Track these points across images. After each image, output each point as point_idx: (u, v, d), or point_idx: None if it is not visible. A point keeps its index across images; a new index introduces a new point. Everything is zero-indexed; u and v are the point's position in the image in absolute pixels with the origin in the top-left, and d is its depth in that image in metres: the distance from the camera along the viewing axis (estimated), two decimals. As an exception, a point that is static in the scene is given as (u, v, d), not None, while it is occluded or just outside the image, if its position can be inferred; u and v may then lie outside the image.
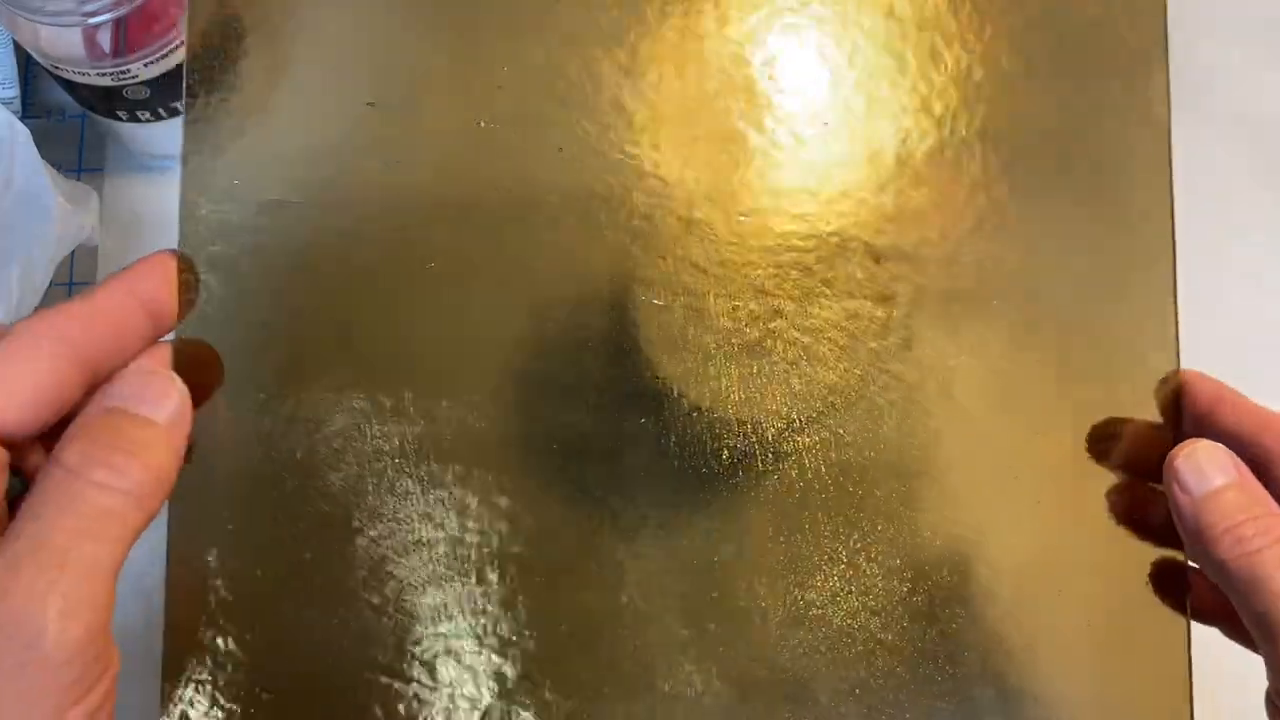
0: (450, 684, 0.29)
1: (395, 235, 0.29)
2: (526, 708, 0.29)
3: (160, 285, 0.25)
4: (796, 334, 0.30)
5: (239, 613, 0.28)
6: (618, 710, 0.29)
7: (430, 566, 0.29)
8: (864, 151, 0.31)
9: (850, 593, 0.30)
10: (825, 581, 0.30)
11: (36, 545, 0.20)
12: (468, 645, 0.29)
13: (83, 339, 0.23)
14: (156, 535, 0.25)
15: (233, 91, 0.29)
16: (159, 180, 0.45)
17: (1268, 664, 0.25)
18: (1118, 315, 0.31)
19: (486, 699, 0.29)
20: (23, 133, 0.38)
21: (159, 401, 0.23)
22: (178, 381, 0.24)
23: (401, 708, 0.29)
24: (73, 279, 0.44)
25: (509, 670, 0.29)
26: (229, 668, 0.28)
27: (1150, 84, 0.34)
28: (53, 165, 0.40)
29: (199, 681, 0.28)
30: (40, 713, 0.19)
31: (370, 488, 0.29)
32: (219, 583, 0.28)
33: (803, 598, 0.30)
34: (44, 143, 0.39)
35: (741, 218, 0.30)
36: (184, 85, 0.28)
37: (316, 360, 0.29)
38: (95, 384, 0.23)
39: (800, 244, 0.30)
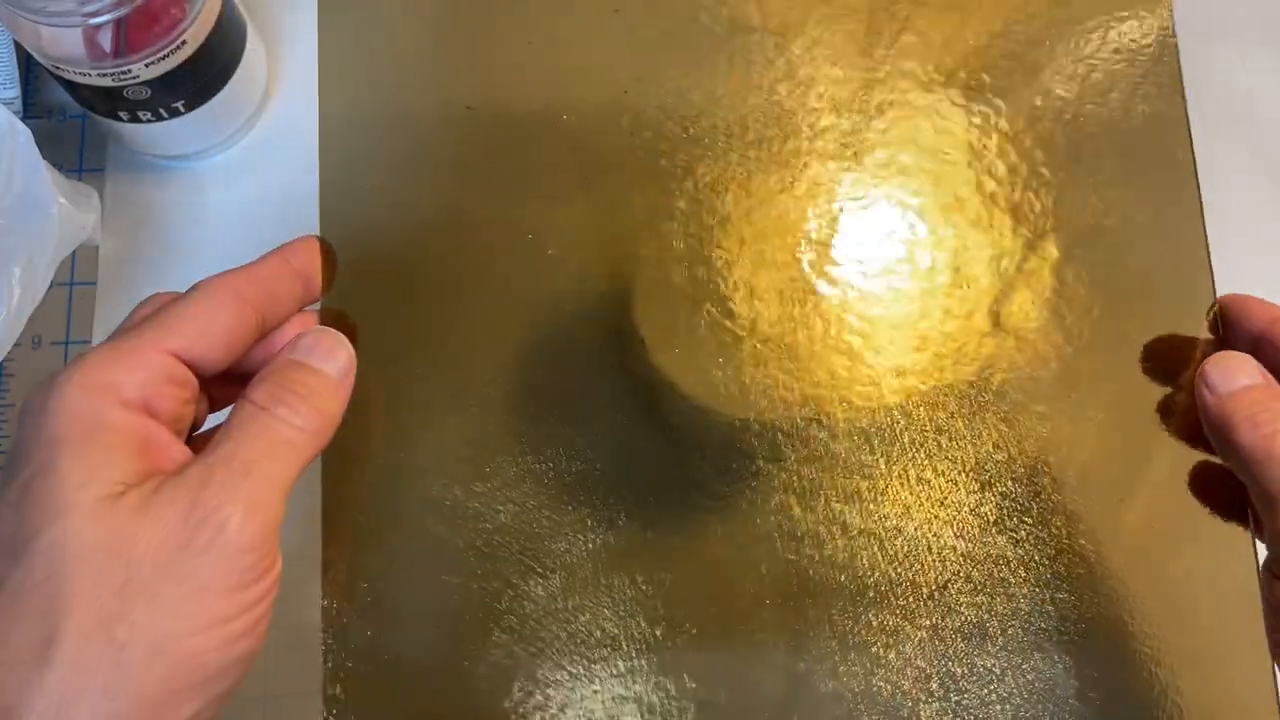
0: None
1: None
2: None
3: (310, 259, 0.31)
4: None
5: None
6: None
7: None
8: None
9: (921, 505, 0.34)
10: (896, 497, 0.34)
11: (230, 457, 0.25)
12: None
13: (254, 295, 0.28)
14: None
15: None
16: (160, 180, 0.45)
17: (1269, 535, 0.28)
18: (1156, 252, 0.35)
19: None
20: (23, 133, 0.38)
21: (331, 356, 0.28)
22: (346, 342, 0.29)
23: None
24: (74, 279, 0.44)
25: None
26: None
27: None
28: (53, 165, 0.40)
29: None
30: (221, 586, 0.24)
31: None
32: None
33: (878, 512, 0.34)
34: (45, 143, 0.39)
35: None
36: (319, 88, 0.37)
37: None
38: (262, 333, 0.29)
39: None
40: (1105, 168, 0.35)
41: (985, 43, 0.37)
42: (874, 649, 0.33)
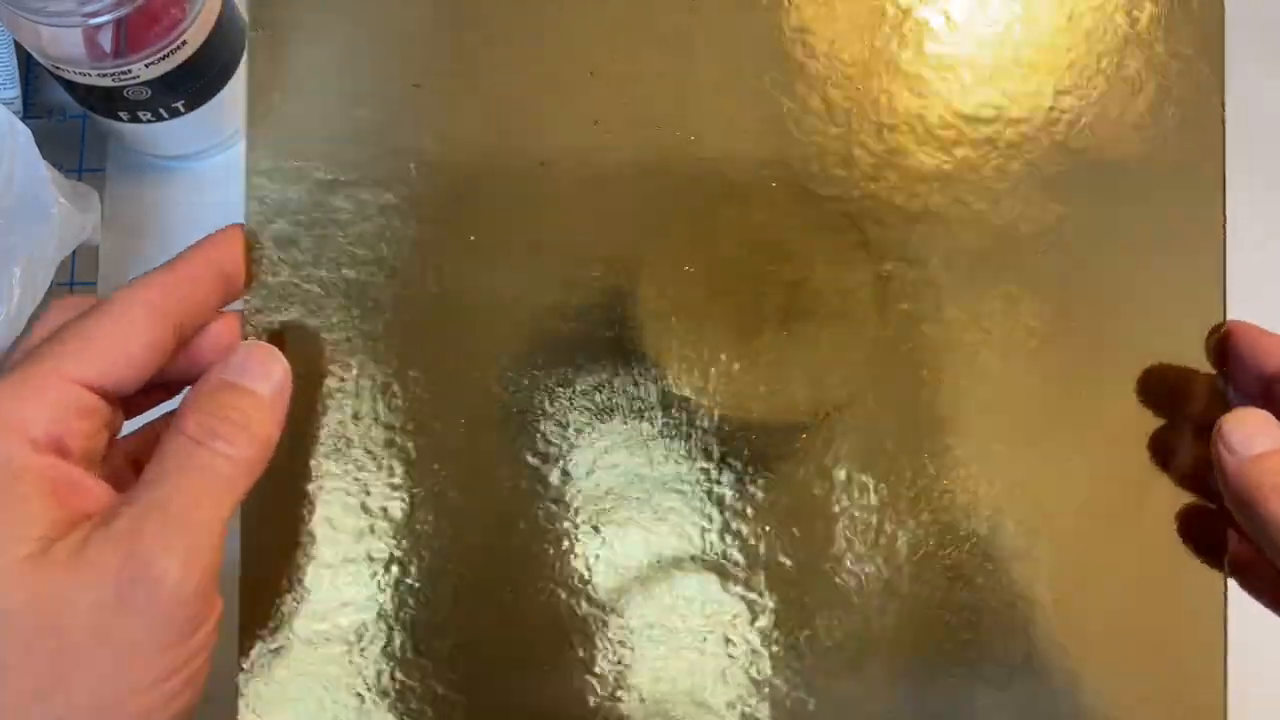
0: None
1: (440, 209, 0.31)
2: None
3: (232, 255, 0.28)
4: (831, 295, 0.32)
5: None
6: None
7: None
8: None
9: (878, 547, 0.31)
10: (855, 537, 0.31)
11: (164, 502, 0.23)
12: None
13: (170, 304, 0.26)
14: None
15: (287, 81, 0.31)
16: (160, 180, 0.45)
17: None
18: (1159, 279, 0.32)
19: None
20: (24, 133, 0.38)
21: (266, 374, 0.26)
22: (279, 355, 0.26)
23: None
24: (74, 279, 0.44)
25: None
26: None
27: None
28: (54, 165, 0.40)
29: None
30: (160, 643, 0.22)
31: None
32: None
33: (828, 552, 0.31)
34: (45, 143, 0.39)
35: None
36: (248, 74, 0.30)
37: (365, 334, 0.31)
38: (181, 344, 0.26)
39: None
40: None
41: None
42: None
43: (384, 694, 0.30)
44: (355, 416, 0.30)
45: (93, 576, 0.22)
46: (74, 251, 0.43)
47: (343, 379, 0.30)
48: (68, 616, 0.22)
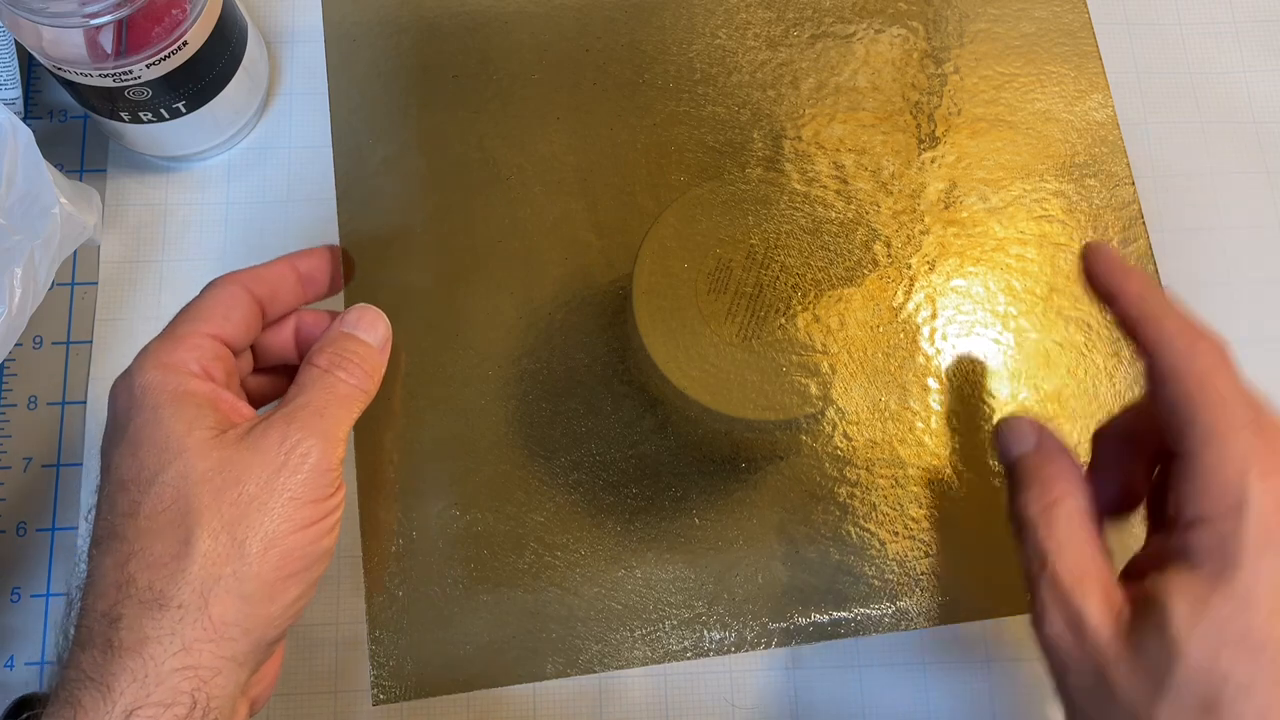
0: None
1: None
2: None
3: (315, 264, 0.36)
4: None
5: None
6: None
7: None
8: None
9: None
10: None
11: (306, 404, 0.32)
12: None
13: (259, 291, 0.34)
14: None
15: None
16: (161, 180, 0.45)
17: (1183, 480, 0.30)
18: None
19: None
20: (25, 133, 0.38)
21: (373, 328, 0.34)
22: (384, 317, 0.35)
23: None
24: (75, 279, 0.44)
25: None
26: None
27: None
28: (55, 165, 0.40)
29: None
30: (309, 497, 0.30)
31: None
32: None
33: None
34: (46, 143, 0.39)
35: None
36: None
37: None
38: (267, 322, 0.35)
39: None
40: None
41: None
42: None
43: None
44: None
45: (260, 448, 0.30)
46: (75, 251, 0.43)
47: None
48: (244, 474, 0.30)
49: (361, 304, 0.35)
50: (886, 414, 0.35)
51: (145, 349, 0.32)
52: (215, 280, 0.34)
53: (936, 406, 0.36)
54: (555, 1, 0.40)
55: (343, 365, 0.33)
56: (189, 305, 0.34)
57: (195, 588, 0.29)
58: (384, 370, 0.35)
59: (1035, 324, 0.37)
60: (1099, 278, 0.32)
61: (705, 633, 0.34)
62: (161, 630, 0.28)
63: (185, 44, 0.39)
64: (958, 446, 0.36)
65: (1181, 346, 0.30)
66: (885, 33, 0.40)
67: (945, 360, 0.36)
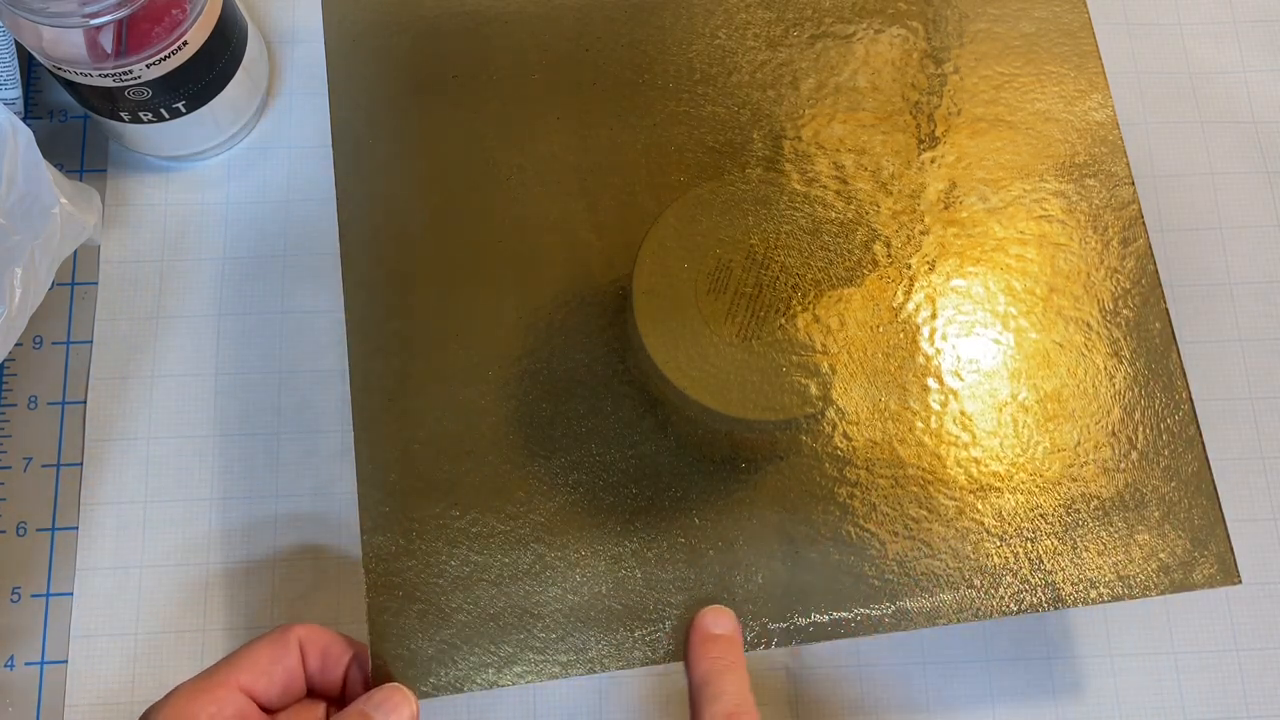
0: None
1: None
2: None
3: (365, 671, 0.34)
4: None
5: None
6: None
7: None
8: None
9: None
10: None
11: None
12: None
13: (313, 648, 0.33)
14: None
15: None
16: (161, 180, 0.45)
17: None
18: None
19: None
20: (25, 133, 0.38)
21: (395, 711, 0.32)
22: (410, 698, 0.33)
23: None
24: (75, 279, 0.44)
25: None
26: None
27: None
28: (55, 165, 0.40)
29: None
30: None
31: None
32: None
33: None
34: (46, 143, 0.39)
35: None
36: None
37: None
38: (311, 685, 0.34)
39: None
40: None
41: None
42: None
43: None
44: None
45: None
46: (75, 251, 0.43)
47: None
48: None
49: (392, 684, 0.33)
50: (886, 414, 0.35)
51: (180, 687, 0.32)
52: (281, 626, 0.34)
53: (936, 406, 0.36)
54: (555, 1, 0.40)
55: None
56: (243, 646, 0.33)
57: None
58: None
59: (1035, 324, 0.37)
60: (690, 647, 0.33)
61: None
62: None
63: (185, 44, 0.39)
64: (957, 446, 0.36)
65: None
66: (885, 33, 0.40)
67: (945, 360, 0.36)
